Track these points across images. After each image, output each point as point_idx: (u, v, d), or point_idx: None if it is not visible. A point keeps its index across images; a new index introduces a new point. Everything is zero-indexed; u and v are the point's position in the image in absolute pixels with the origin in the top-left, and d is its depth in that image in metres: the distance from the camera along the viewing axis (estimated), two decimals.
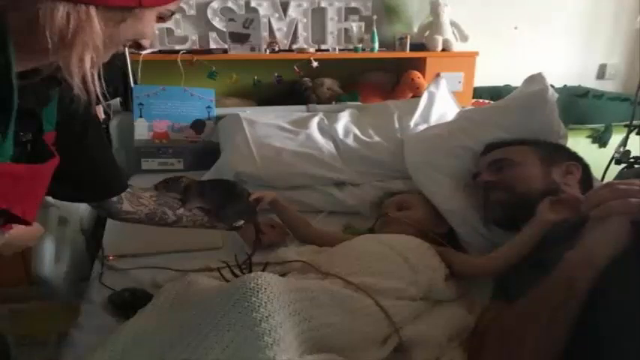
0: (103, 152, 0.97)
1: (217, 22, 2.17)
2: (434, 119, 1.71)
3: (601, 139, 2.47)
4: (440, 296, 0.98)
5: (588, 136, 2.48)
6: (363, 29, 2.23)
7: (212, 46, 2.18)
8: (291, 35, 2.22)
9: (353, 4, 2.25)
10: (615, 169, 1.92)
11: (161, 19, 0.66)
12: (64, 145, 0.76)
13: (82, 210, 1.39)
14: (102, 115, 1.80)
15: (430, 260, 1.01)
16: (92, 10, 0.54)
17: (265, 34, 2.16)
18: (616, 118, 2.41)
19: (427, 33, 2.26)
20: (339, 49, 2.22)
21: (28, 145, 0.70)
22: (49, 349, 1.43)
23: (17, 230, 0.77)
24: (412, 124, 1.66)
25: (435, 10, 2.22)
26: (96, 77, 0.59)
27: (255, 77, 2.13)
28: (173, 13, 0.69)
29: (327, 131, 1.68)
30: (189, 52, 2.07)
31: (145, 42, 0.65)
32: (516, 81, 1.58)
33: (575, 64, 2.62)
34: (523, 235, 0.97)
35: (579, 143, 2.36)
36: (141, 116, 1.81)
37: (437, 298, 0.98)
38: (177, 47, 2.11)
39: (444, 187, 1.27)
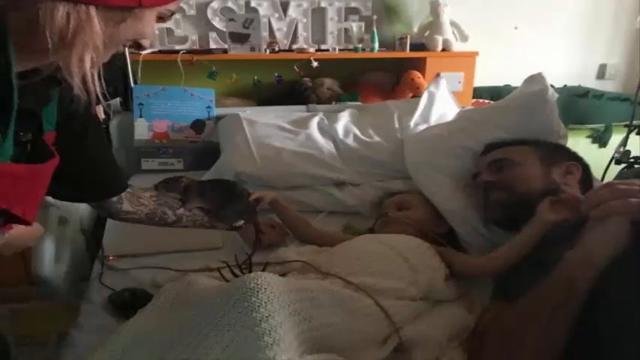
0: (103, 152, 0.97)
1: (217, 22, 2.17)
2: (434, 119, 1.71)
3: (601, 139, 2.47)
4: (440, 296, 0.98)
5: (588, 136, 2.48)
6: (363, 29, 2.23)
7: (212, 46, 2.18)
8: (291, 35, 2.22)
9: (353, 4, 2.25)
10: (615, 169, 1.92)
11: (161, 19, 0.66)
12: (64, 145, 0.76)
13: (82, 210, 1.39)
14: (102, 115, 1.80)
15: (430, 260, 1.01)
16: (92, 10, 0.54)
17: (265, 34, 2.16)
18: (616, 118, 2.41)
19: (427, 33, 2.26)
20: (339, 49, 2.22)
21: (28, 145, 0.70)
22: (49, 349, 1.43)
23: (17, 230, 0.77)
24: (412, 124, 1.66)
25: (435, 10, 2.22)
26: (96, 77, 0.59)
27: (255, 77, 2.13)
28: (173, 13, 0.69)
29: (327, 131, 1.68)
30: (189, 52, 2.07)
31: (145, 42, 0.65)
32: (516, 81, 1.58)
33: (575, 64, 2.62)
34: (523, 235, 0.97)
35: (579, 143, 2.36)
36: (141, 116, 1.81)
37: (437, 298, 0.98)
38: (177, 47, 2.11)
39: (444, 187, 1.27)
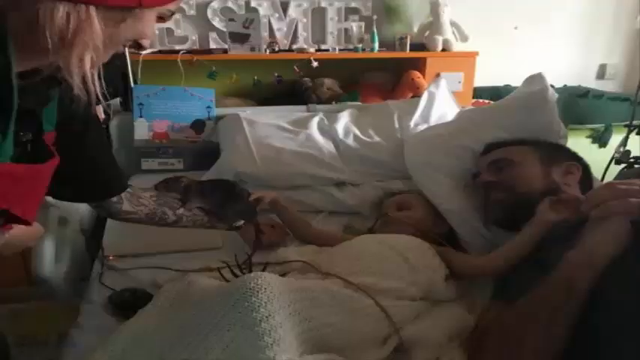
0: (103, 152, 0.97)
1: (217, 22, 2.17)
2: (434, 119, 1.71)
3: (601, 139, 2.46)
4: (440, 296, 0.98)
5: (588, 136, 2.48)
6: (363, 29, 2.23)
7: (212, 46, 2.18)
8: (291, 35, 2.23)
9: (353, 4, 2.25)
10: (615, 169, 1.92)
11: (161, 19, 0.66)
12: (64, 145, 0.76)
13: (82, 210, 1.39)
14: (102, 115, 1.80)
15: (430, 260, 1.01)
16: (92, 10, 0.55)
17: (265, 34, 2.16)
18: (616, 118, 2.41)
19: (427, 33, 2.26)
20: (339, 49, 2.22)
21: (28, 145, 0.70)
22: (49, 349, 1.43)
23: (17, 230, 0.77)
24: (412, 124, 1.66)
25: (435, 10, 2.22)
26: (96, 77, 0.59)
27: (255, 77, 2.13)
28: (173, 13, 0.69)
29: (327, 131, 1.68)
30: (189, 52, 2.07)
31: (145, 42, 0.65)
32: (516, 81, 1.58)
33: (575, 64, 2.62)
34: (523, 235, 0.97)
35: (579, 143, 2.36)
36: (141, 116, 1.81)
37: (437, 298, 0.98)
38: (177, 47, 2.12)
39: (443, 187, 1.27)
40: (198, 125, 1.85)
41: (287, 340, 0.72)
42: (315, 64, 2.07)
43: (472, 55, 2.24)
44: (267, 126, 1.70)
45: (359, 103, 2.11)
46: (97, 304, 1.06)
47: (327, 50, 2.22)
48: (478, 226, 1.19)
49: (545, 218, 0.96)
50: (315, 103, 2.03)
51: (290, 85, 2.18)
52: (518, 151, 1.15)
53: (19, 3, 0.53)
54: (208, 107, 1.86)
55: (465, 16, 2.27)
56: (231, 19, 2.02)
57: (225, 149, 1.68)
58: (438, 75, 2.03)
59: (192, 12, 2.17)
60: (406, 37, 2.19)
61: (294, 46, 2.21)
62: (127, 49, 0.83)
